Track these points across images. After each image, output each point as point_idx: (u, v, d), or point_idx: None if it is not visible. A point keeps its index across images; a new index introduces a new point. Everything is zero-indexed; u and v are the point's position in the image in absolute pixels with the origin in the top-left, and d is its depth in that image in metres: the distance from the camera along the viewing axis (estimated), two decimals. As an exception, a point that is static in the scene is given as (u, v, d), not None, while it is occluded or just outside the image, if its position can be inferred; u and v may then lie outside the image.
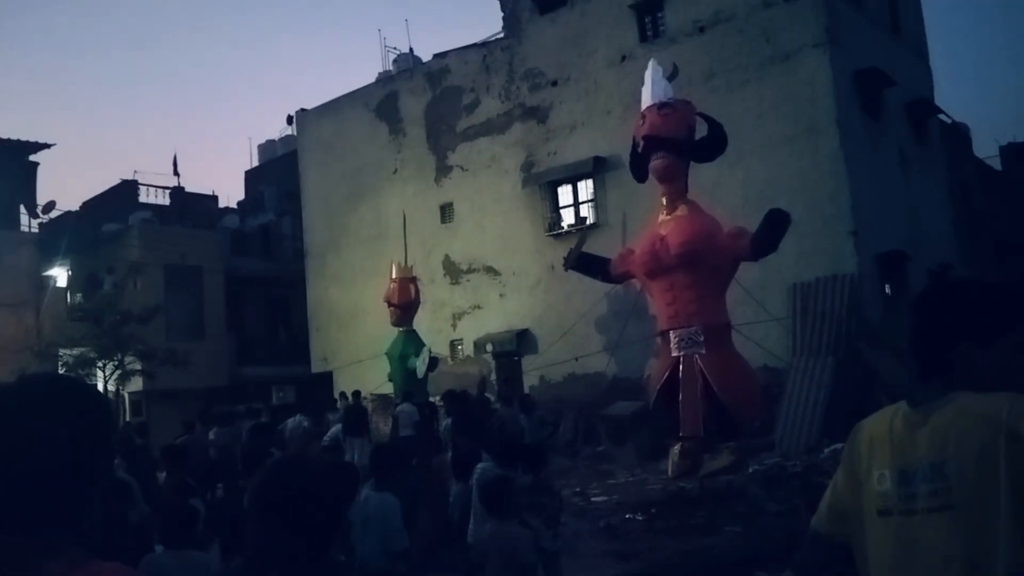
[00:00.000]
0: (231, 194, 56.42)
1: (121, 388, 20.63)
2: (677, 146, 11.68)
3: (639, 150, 12.18)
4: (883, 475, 1.83)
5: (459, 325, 21.76)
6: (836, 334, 14.34)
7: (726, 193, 15.74)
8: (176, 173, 31.00)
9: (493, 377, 20.72)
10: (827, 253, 15.63)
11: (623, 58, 19.00)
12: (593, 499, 11.64)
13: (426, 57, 24.35)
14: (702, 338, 11.51)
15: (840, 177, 15.84)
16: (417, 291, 18.92)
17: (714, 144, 12.09)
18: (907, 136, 19.16)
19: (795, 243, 13.80)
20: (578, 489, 12.26)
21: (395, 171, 23.41)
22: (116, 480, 5.73)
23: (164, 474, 8.88)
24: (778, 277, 15.15)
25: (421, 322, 19.21)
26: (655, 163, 11.80)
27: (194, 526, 4.31)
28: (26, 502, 1.31)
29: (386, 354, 18.42)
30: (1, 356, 18.71)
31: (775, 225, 11.03)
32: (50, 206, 22.62)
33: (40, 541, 1.32)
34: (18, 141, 20.72)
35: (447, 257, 22.03)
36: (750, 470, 11.50)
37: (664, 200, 12.09)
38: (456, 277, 21.93)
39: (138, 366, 20.21)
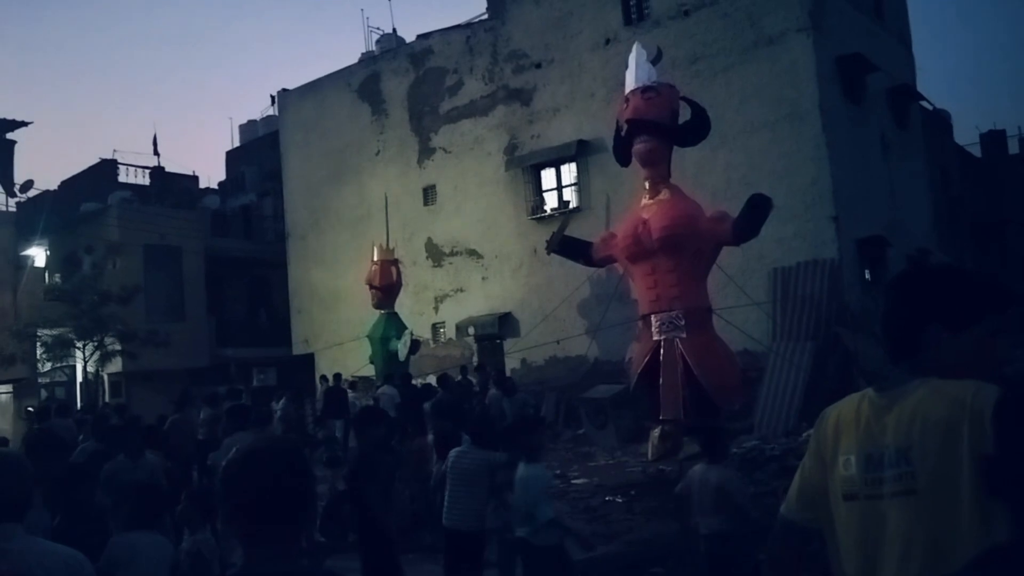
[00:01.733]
0: (212, 174, 55.88)
1: (101, 369, 20.47)
2: (661, 130, 11.70)
3: (623, 134, 12.19)
4: (849, 460, 1.84)
5: (441, 308, 21.74)
6: (816, 319, 14.45)
7: (709, 177, 15.78)
8: (156, 153, 30.54)
9: (475, 360, 20.74)
10: (808, 238, 15.72)
11: (607, 41, 18.93)
12: (574, 481, 11.69)
13: (409, 38, 24.16)
14: (683, 322, 11.58)
15: (822, 162, 15.91)
16: (399, 273, 18.88)
17: (698, 128, 12.11)
18: (888, 122, 19.25)
19: (777, 228, 13.87)
20: (559, 471, 12.30)
21: (377, 152, 23.27)
22: (77, 465, 5.69)
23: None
24: (759, 262, 15.24)
25: (403, 305, 19.18)
26: (638, 147, 11.81)
27: (161, 508, 4.30)
28: None
29: (367, 336, 18.39)
30: (-23, 336, 18.55)
31: (757, 210, 11.09)
32: (28, 185, 22.35)
33: None
34: (-6, 118, 20.42)
35: (429, 240, 21.96)
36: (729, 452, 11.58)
37: (647, 184, 12.11)
38: (438, 260, 21.88)
39: (118, 347, 20.06)
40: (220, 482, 1.77)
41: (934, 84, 45.38)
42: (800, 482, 2.01)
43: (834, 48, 16.71)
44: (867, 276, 16.89)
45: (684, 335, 11.55)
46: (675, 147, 12.28)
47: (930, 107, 22.63)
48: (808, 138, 16.07)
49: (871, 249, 16.73)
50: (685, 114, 12.27)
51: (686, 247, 11.54)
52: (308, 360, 23.70)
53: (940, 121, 24.28)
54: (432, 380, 15.89)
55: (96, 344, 19.62)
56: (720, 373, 11.63)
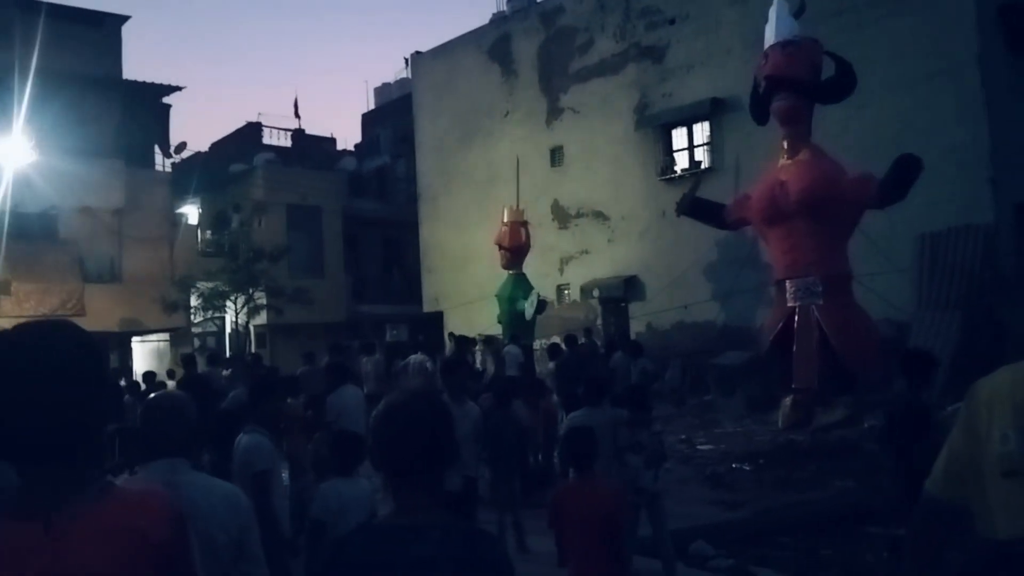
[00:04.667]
0: (348, 137, 57.79)
1: (248, 321, 21.79)
2: (801, 87, 11.22)
3: (760, 91, 11.77)
4: (1006, 435, 1.74)
5: (566, 270, 21.78)
6: (967, 287, 13.56)
7: (853, 137, 14.97)
8: (297, 116, 32.08)
9: (599, 322, 20.73)
10: (961, 201, 14.68)
11: (746, -6, 18.16)
12: (699, 447, 11.59)
13: (540, -3, 24.00)
14: (820, 288, 11.17)
15: (979, 120, 14.77)
16: (528, 235, 19.03)
17: (841, 85, 11.53)
18: (1059, 76, 17.61)
19: (926, 190, 13.02)
20: (684, 437, 12.22)
21: (506, 114, 23.38)
22: (228, 410, 6.06)
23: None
24: (906, 226, 14.36)
25: (528, 266, 19.35)
26: (777, 105, 11.38)
27: (361, 457, 4.27)
28: (51, 434, 1.45)
29: (496, 296, 18.69)
30: (142, 287, 20.10)
31: (905, 170, 10.50)
32: (181, 147, 23.78)
33: (67, 471, 1.47)
34: (152, 84, 21.78)
35: (556, 201, 21.97)
36: (866, 425, 11.17)
37: (785, 144, 11.67)
38: (564, 221, 21.88)
39: (264, 301, 21.26)
40: (370, 433, 1.88)
41: (1115, 32, 40.94)
42: (948, 458, 1.92)
43: (998, -4, 15.39)
44: (1027, 243, 15.66)
45: (821, 302, 11.15)
46: (817, 105, 11.74)
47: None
48: (965, 94, 14.94)
49: (1033, 214, 15.48)
50: (828, 70, 11.68)
51: (826, 210, 11.07)
52: (438, 318, 24.37)
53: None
54: (558, 340, 16.02)
55: (247, 298, 20.87)
56: (858, 342, 11.18)
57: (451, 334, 18.77)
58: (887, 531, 6.76)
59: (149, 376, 12.94)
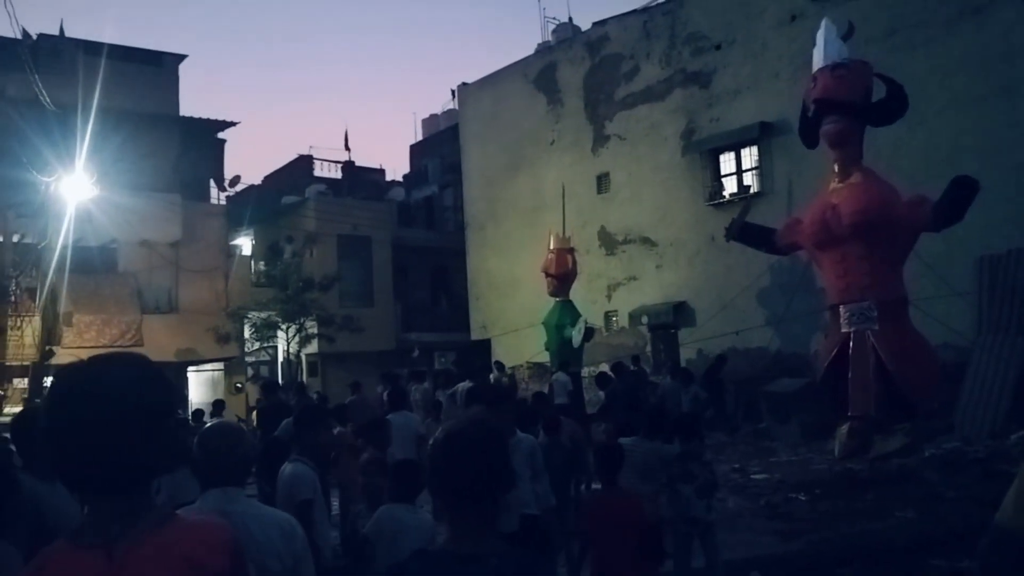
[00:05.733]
0: (397, 167, 58.68)
1: (300, 350, 22.09)
2: (852, 109, 11.06)
3: (810, 114, 11.63)
4: None
5: (614, 296, 21.68)
6: (1029, 311, 13.14)
7: (906, 158, 14.71)
8: (347, 148, 32.85)
9: (648, 349, 20.54)
10: (1020, 222, 14.27)
11: (793, 17, 18.06)
12: (753, 476, 11.36)
13: (585, 26, 24.20)
14: (875, 313, 10.91)
15: (1038, 139, 14.40)
16: (574, 261, 18.99)
17: (893, 107, 11.34)
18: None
19: (983, 212, 12.68)
20: (737, 465, 12.00)
21: (552, 142, 23.50)
22: (278, 439, 6.11)
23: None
24: (963, 248, 14.01)
25: (575, 293, 19.27)
26: (827, 127, 11.23)
27: (420, 485, 4.28)
28: (117, 466, 1.47)
29: (543, 323, 18.66)
30: (197, 317, 20.55)
31: (961, 192, 10.24)
32: (235, 180, 24.40)
33: (130, 501, 1.49)
34: (207, 120, 22.44)
35: (603, 228, 21.94)
36: (926, 454, 10.84)
37: (836, 166, 11.50)
38: (611, 248, 21.82)
39: (315, 330, 21.54)
40: (428, 461, 1.89)
41: None
42: (1020, 488, 1.85)
43: (1054, 12, 15.04)
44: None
45: (876, 327, 10.88)
46: (868, 127, 11.56)
47: None
48: (1019, 112, 14.60)
49: (1098, 234, 14.96)
50: (879, 92, 11.51)
51: (879, 233, 10.84)
52: (486, 345, 24.41)
53: None
54: (606, 368, 15.91)
55: (298, 327, 21.18)
56: (916, 368, 10.86)
57: (497, 362, 18.76)
58: (950, 564, 6.52)
59: (198, 415, 13.05)
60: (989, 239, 14.07)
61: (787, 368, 15.92)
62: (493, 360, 20.56)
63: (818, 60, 11.51)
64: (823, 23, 11.88)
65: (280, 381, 22.12)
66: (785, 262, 15.42)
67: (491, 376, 18.32)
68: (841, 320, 11.23)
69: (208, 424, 3.72)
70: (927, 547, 7.10)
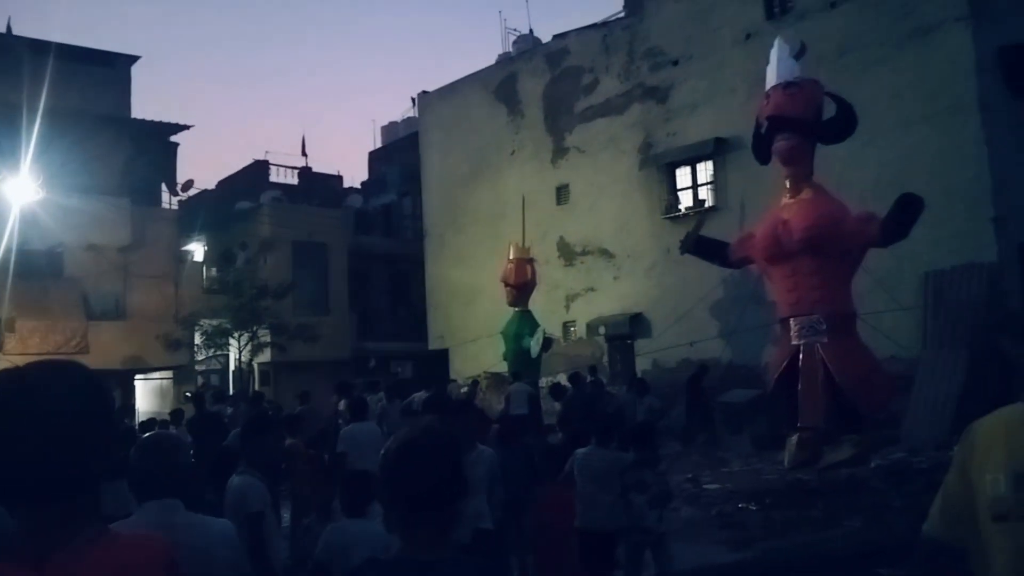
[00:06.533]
0: (355, 175, 58.21)
1: (252, 359, 21.76)
2: (803, 127, 11.32)
3: (763, 131, 11.86)
4: (996, 479, 1.73)
5: (572, 307, 21.79)
6: (972, 326, 13.52)
7: (856, 176, 15.06)
8: (304, 154, 32.25)
9: (605, 360, 20.67)
10: (965, 240, 14.71)
11: (748, 36, 18.40)
12: (706, 486, 11.47)
13: (546, 38, 24.37)
14: (824, 326, 11.15)
15: (981, 160, 14.86)
16: (534, 272, 19.07)
17: (843, 125, 11.63)
18: (1059, 115, 17.73)
19: (930, 229, 13.07)
20: (690, 475, 12.11)
21: (513, 152, 23.58)
22: (229, 447, 6.03)
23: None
24: (910, 265, 14.39)
25: (534, 303, 19.35)
26: (779, 144, 11.47)
27: (371, 498, 4.23)
28: (50, 476, 1.42)
29: (501, 333, 18.67)
30: (146, 324, 20.13)
31: (907, 210, 10.54)
32: (188, 184, 23.97)
33: (63, 515, 1.43)
34: (159, 122, 22.05)
35: (562, 239, 22.06)
36: (873, 464, 11.06)
37: (788, 183, 11.74)
38: (570, 259, 21.94)
39: (269, 338, 21.24)
40: (380, 469, 1.87)
41: (1115, 72, 41.19)
42: (943, 499, 1.90)
43: (996, 38, 15.55)
44: (1032, 281, 15.63)
45: (825, 340, 11.11)
46: (818, 145, 11.83)
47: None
48: (967, 134, 15.05)
49: (1037, 253, 15.47)
50: (830, 110, 11.79)
51: (829, 248, 11.09)
52: (444, 355, 24.32)
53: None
54: (562, 379, 15.96)
55: (250, 335, 20.86)
56: (864, 380, 11.12)
57: (475, 381, 18.47)
58: (895, 572, 6.66)
59: (148, 424, 12.60)
60: (935, 256, 14.48)
61: (739, 379, 16.13)
62: (472, 379, 20.04)
63: (771, 78, 11.76)
64: (776, 41, 12.16)
65: (231, 391, 21.79)
66: (738, 275, 15.66)
67: (456, 386, 18.24)
68: (791, 333, 11.44)
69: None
70: (874, 556, 7.24)
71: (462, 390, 17.14)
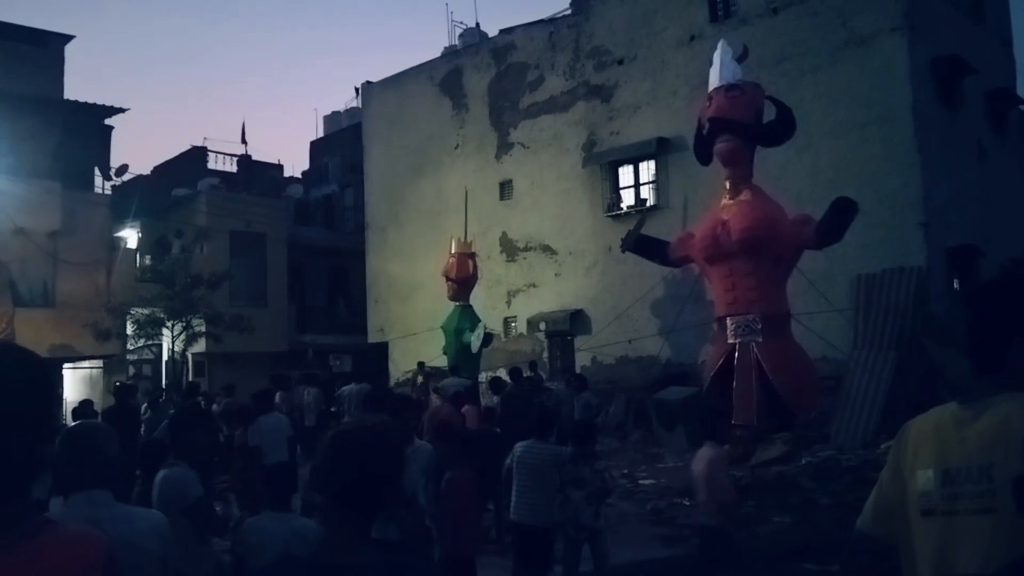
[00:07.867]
0: (296, 164, 57.30)
1: (186, 349, 21.26)
2: (743, 129, 11.52)
3: (704, 132, 12.04)
4: (927, 475, 1.79)
5: (513, 302, 21.83)
6: (900, 328, 13.99)
7: (793, 179, 15.43)
8: (244, 141, 31.70)
9: (545, 356, 20.77)
10: (895, 244, 15.21)
11: (692, 38, 18.67)
12: (641, 482, 11.62)
13: (492, 32, 24.33)
14: (760, 326, 11.38)
15: (912, 167, 15.37)
16: (475, 267, 19.03)
17: (782, 128, 11.88)
18: (985, 127, 18.45)
19: (862, 233, 13.47)
20: (626, 471, 12.25)
21: (457, 146, 23.49)
22: (157, 440, 5.90)
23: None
24: (842, 267, 14.82)
25: (476, 298, 19.33)
26: (720, 146, 11.65)
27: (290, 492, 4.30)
28: None
29: (441, 328, 18.59)
30: (76, 312, 19.47)
31: (841, 214, 10.82)
32: (123, 169, 23.20)
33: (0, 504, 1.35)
34: (94, 104, 21.30)
35: (504, 234, 22.07)
36: (803, 462, 11.36)
37: (727, 184, 11.94)
38: (512, 254, 21.97)
39: (203, 329, 20.77)
40: (318, 454, 1.81)
41: (1037, 87, 43.10)
42: (877, 495, 1.96)
43: (929, 49, 16.10)
44: (956, 286, 16.25)
45: (760, 339, 11.35)
46: (758, 147, 12.06)
47: (1032, 112, 21.58)
48: (899, 142, 15.54)
49: (962, 258, 16.09)
50: (770, 114, 12.03)
51: (766, 250, 11.33)
52: (383, 348, 24.12)
53: (1042, 126, 23.10)
54: (502, 374, 15.97)
55: (184, 325, 20.36)
56: (796, 379, 11.39)
57: (420, 363, 18.28)
58: (823, 567, 6.84)
59: (86, 404, 11.91)
60: (866, 259, 14.93)
61: (676, 377, 16.38)
62: (418, 362, 19.86)
63: (714, 80, 11.94)
64: (720, 44, 12.35)
65: (164, 381, 21.24)
66: (677, 274, 15.89)
67: (412, 375, 17.94)
68: (728, 332, 11.65)
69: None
70: (802, 552, 7.43)
71: (418, 379, 17.11)
